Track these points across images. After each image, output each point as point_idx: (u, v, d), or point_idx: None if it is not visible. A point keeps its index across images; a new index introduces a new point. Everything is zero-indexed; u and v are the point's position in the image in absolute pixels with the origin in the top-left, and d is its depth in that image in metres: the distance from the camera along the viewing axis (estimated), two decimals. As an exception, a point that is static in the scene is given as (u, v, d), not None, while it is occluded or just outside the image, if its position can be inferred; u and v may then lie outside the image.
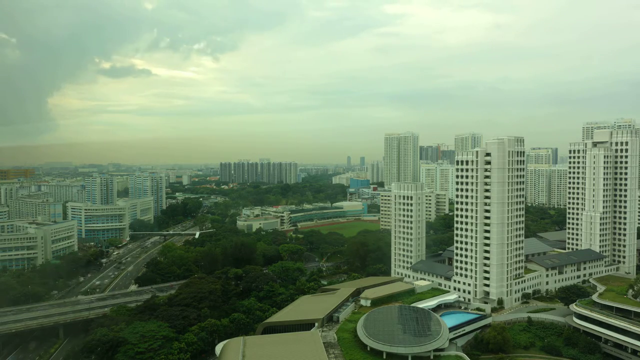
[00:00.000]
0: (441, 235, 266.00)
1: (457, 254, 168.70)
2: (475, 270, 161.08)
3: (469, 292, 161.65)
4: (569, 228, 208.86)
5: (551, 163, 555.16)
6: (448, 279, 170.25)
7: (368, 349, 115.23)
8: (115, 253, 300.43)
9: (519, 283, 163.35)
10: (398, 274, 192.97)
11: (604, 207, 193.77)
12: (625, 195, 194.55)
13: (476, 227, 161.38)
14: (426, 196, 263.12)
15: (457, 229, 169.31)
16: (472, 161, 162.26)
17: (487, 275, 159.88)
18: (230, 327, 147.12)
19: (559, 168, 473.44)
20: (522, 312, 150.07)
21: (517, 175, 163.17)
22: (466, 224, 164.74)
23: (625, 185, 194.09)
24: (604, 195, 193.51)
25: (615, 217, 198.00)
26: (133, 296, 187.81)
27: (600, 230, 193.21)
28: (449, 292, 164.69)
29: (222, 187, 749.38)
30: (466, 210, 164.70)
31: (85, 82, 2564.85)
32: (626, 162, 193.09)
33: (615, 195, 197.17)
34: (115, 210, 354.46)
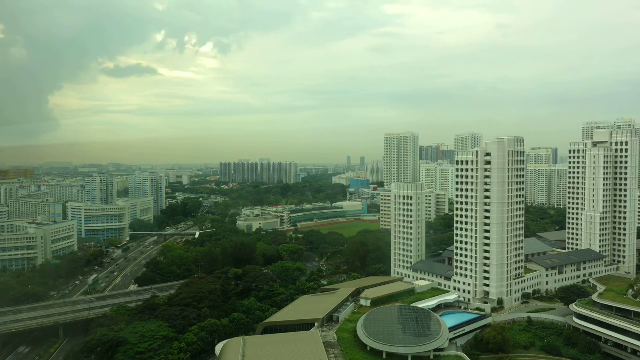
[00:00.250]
0: (441, 235, 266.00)
1: (457, 254, 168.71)
2: (475, 270, 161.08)
3: (469, 292, 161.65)
4: (569, 228, 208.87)
5: (551, 163, 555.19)
6: (448, 279, 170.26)
7: (368, 349, 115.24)
8: (115, 253, 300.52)
9: (519, 283, 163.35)
10: (398, 274, 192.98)
11: (604, 207, 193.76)
12: (625, 195, 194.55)
13: (476, 227, 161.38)
14: (426, 196, 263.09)
15: (457, 229, 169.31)
16: (472, 161, 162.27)
17: (487, 275, 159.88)
18: (230, 327, 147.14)
19: (559, 168, 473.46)
20: (522, 312, 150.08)
21: (517, 175, 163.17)
22: (466, 224, 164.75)
23: (625, 185, 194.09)
24: (604, 195, 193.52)
25: (615, 217, 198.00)
26: (133, 296, 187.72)
27: (600, 230, 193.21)
28: (449, 292, 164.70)
29: (222, 187, 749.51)
30: (466, 210, 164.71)
31: (86, 82, 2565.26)
32: (626, 162, 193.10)
33: (615, 195, 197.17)
34: (115, 210, 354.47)
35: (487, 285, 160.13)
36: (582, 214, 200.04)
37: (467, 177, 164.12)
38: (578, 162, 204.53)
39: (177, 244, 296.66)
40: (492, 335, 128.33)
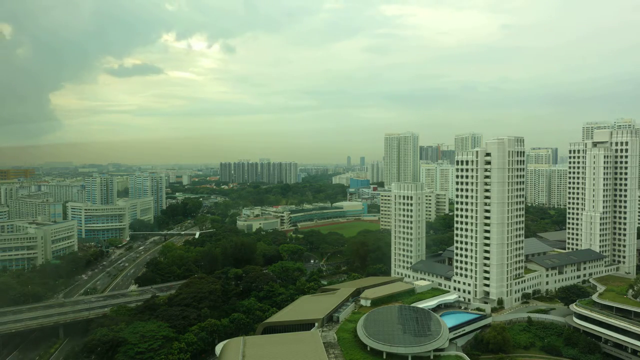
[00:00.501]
0: (441, 235, 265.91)
1: (457, 254, 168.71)
2: (475, 270, 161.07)
3: (469, 292, 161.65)
4: (569, 228, 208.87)
5: (551, 163, 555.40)
6: (448, 279, 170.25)
7: (368, 349, 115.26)
8: (115, 253, 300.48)
9: (519, 283, 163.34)
10: (398, 274, 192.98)
11: (604, 207, 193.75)
12: (625, 195, 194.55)
13: (476, 227, 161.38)
14: (426, 196, 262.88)
15: (457, 229, 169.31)
16: (472, 161, 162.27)
17: (487, 275, 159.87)
18: (230, 327, 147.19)
19: (559, 168, 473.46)
20: (522, 312, 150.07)
21: (517, 175, 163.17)
22: (466, 224, 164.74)
23: (625, 185, 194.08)
24: (604, 195, 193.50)
25: (615, 217, 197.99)
26: (133, 296, 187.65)
27: (600, 230, 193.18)
28: (449, 292, 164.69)
29: (222, 187, 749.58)
30: (466, 210, 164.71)
31: (86, 82, 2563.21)
32: (626, 162, 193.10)
33: (615, 195, 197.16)
34: (115, 210, 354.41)
35: (487, 285, 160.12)
36: (582, 214, 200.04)
37: (467, 177, 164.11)
38: (578, 162, 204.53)
39: (177, 244, 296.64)
40: (492, 335, 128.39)
